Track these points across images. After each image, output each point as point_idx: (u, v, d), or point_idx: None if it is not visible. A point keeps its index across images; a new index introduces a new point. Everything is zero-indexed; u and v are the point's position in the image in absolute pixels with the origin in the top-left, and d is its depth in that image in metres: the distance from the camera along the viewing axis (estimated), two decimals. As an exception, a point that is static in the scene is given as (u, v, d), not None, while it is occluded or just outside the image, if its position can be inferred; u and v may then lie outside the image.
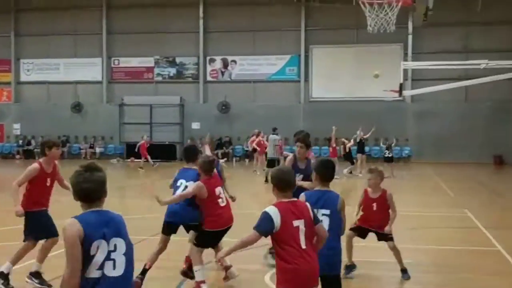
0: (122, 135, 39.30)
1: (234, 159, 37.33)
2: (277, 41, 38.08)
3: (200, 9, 38.76)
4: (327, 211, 5.71)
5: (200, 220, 7.89)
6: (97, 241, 4.01)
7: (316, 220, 5.12)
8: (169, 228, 8.24)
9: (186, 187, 7.99)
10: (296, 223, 4.90)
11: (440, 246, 11.20)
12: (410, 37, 36.59)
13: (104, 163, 35.85)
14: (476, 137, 35.31)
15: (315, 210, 5.34)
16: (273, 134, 24.09)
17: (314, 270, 4.97)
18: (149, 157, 31.74)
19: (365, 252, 9.49)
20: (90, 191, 4.12)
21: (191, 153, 8.50)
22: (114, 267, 4.05)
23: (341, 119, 34.17)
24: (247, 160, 35.61)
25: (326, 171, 5.90)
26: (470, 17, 35.56)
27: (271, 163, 22.54)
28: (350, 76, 36.80)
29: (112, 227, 4.13)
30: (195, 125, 38.89)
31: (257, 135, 27.70)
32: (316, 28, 37.85)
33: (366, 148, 31.76)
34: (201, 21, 38.79)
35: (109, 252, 4.05)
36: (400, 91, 29.53)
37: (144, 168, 30.38)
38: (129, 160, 36.74)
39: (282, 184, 5.06)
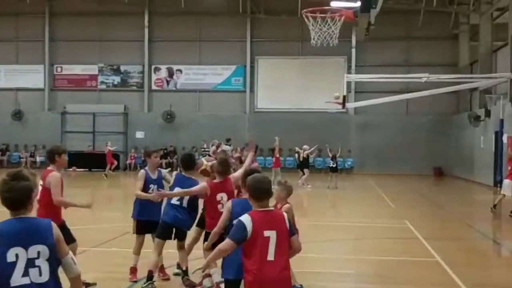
0: (64, 143, 38.41)
1: (178, 168, 37.08)
2: (223, 51, 38.15)
3: (145, 17, 38.51)
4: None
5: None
6: (14, 248, 3.98)
7: (292, 232, 5.04)
8: (165, 231, 8.41)
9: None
10: (267, 233, 4.82)
11: (381, 257, 11.39)
12: (353, 50, 37.22)
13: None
14: (417, 149, 36.11)
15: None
16: (226, 144, 23.82)
17: (279, 282, 4.84)
18: (108, 166, 31.74)
19: (309, 262, 9.58)
20: (13, 200, 4.10)
21: (189, 162, 8.75)
22: (40, 274, 4.03)
23: (285, 130, 34.47)
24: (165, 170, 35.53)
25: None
26: (411, 32, 36.46)
27: None
28: (294, 87, 37.19)
29: (34, 234, 4.07)
30: (139, 134, 38.54)
31: (218, 146, 27.57)
32: (261, 40, 38.10)
33: (310, 159, 32.27)
34: (146, 30, 38.54)
35: (32, 259, 4.02)
36: (343, 103, 29.95)
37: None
38: (70, 169, 36.10)
39: (258, 192, 5.01)
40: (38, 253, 4.03)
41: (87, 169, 35.98)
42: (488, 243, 14.01)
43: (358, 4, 18.46)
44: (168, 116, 38.07)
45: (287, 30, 36.97)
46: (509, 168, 17.26)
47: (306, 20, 11.83)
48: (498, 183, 24.73)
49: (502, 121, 26.62)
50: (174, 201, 8.40)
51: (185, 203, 8.39)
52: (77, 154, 37.19)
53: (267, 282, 4.77)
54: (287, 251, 4.97)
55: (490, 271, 10.74)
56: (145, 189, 8.74)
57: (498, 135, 26.94)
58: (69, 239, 7.90)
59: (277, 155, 26.63)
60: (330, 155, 27.54)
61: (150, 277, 8.15)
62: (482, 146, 30.04)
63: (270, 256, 4.80)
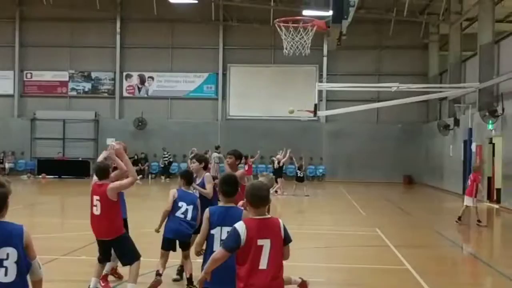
0: (33, 150, 38.17)
1: (149, 176, 36.95)
2: (195, 58, 38.12)
3: (117, 24, 38.33)
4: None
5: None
6: None
7: (288, 240, 4.97)
8: (168, 244, 8.72)
9: (186, 209, 8.55)
10: (261, 242, 4.77)
11: (352, 265, 11.46)
12: (325, 59, 37.48)
13: (14, 179, 34.70)
14: (387, 158, 36.44)
15: (219, 228, 5.36)
16: (215, 152, 23.84)
17: None
18: None
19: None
20: None
21: (190, 177, 9.03)
22: (6, 274, 4.34)
23: (257, 137, 34.64)
24: (162, 177, 35.37)
25: (228, 187, 5.63)
26: (382, 41, 36.86)
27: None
28: (266, 95, 37.31)
29: (6, 237, 4.37)
30: (110, 141, 38.11)
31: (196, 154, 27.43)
32: (233, 47, 38.18)
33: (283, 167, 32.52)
34: (118, 36, 38.35)
35: (1, 260, 4.34)
36: (315, 111, 30.08)
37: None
38: (40, 176, 35.74)
39: (255, 199, 4.92)
40: (7, 255, 4.34)
41: (57, 176, 35.60)
42: (458, 251, 14.18)
43: (330, 13, 18.61)
44: (140, 123, 37.89)
45: (259, 38, 37.12)
46: (469, 182, 17.41)
47: (278, 29, 11.90)
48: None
49: (470, 130, 27.01)
50: (179, 214, 8.56)
51: (189, 216, 8.57)
52: (47, 161, 36.89)
53: None
54: (281, 260, 4.92)
55: (460, 279, 10.87)
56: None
57: (467, 143, 27.31)
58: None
59: (250, 163, 26.68)
60: (297, 165, 27.74)
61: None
62: (451, 155, 30.44)
63: (262, 265, 4.76)
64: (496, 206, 23.31)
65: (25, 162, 37.95)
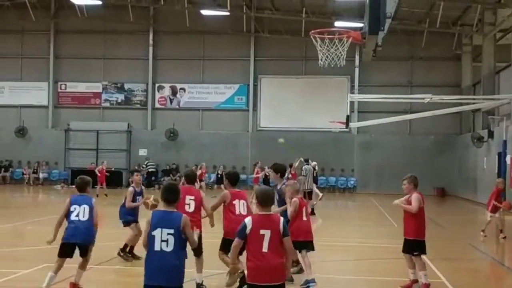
0: (67, 160, 38.68)
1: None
2: (226, 70, 38.33)
3: (150, 36, 38.74)
4: (171, 230, 6.24)
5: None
6: None
7: (285, 234, 6.22)
8: None
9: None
10: (262, 231, 6.13)
11: (384, 278, 11.35)
12: (356, 70, 37.36)
13: (48, 188, 35.20)
14: (419, 169, 35.79)
15: (160, 230, 6.19)
16: (307, 164, 23.34)
17: (272, 269, 6.09)
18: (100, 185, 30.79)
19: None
20: None
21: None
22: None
23: (288, 149, 34.52)
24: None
25: (169, 195, 6.45)
26: (414, 52, 36.60)
27: (308, 194, 21.59)
28: (297, 106, 37.28)
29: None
30: (142, 152, 38.61)
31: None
32: (265, 58, 38.28)
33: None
34: (150, 48, 38.75)
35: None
36: (347, 123, 30.03)
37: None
38: (73, 186, 36.09)
39: (262, 200, 6.30)
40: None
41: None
42: (492, 264, 13.96)
43: (361, 24, 18.58)
44: (171, 134, 38.16)
45: (291, 50, 37.18)
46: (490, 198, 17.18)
47: (314, 41, 11.92)
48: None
49: (505, 142, 26.63)
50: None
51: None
52: (80, 171, 37.16)
53: (261, 268, 6.09)
54: (280, 246, 6.19)
55: (494, 292, 10.70)
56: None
57: (501, 156, 26.92)
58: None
59: (293, 171, 26.52)
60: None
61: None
62: (485, 167, 30.02)
63: (264, 249, 6.10)
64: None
65: (59, 172, 38.46)
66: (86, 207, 8.73)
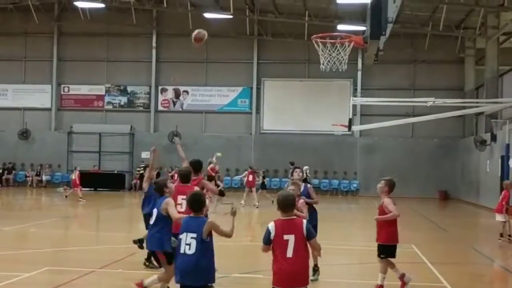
0: (70, 163, 38.71)
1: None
2: (229, 72, 38.37)
3: (153, 38, 38.80)
4: (194, 235, 6.59)
5: None
6: None
7: (310, 236, 6.26)
8: None
9: None
10: (286, 237, 6.18)
11: (387, 281, 11.32)
12: (359, 73, 37.35)
13: (51, 191, 35.24)
14: (422, 173, 36.08)
15: (185, 234, 6.60)
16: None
17: (296, 274, 6.17)
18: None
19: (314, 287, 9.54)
20: None
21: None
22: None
23: (291, 152, 34.55)
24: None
25: (193, 203, 6.76)
26: (417, 56, 36.56)
27: None
28: (300, 109, 37.31)
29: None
30: (145, 154, 38.57)
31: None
32: (268, 61, 38.32)
33: (315, 181, 32.99)
34: (154, 51, 38.81)
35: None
36: (349, 126, 30.04)
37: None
38: (76, 189, 36.14)
39: (283, 205, 6.32)
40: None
41: (92, 189, 36.00)
42: (495, 268, 13.94)
43: (364, 28, 18.58)
44: (174, 137, 38.15)
45: (293, 53, 37.21)
46: (501, 198, 17.12)
47: (315, 45, 11.94)
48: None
49: (508, 145, 26.60)
50: None
51: None
52: (83, 174, 37.27)
53: (286, 272, 6.15)
54: (304, 251, 6.25)
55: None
56: None
57: (504, 159, 26.89)
58: None
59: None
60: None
61: None
62: (488, 170, 29.99)
63: (289, 254, 6.15)
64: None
65: (62, 175, 38.49)
66: None
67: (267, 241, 6.26)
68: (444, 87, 35.99)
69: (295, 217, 6.39)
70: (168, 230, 8.55)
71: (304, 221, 6.38)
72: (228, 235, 6.93)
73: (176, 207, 8.70)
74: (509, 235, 16.85)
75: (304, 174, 25.68)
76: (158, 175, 37.58)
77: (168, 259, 8.46)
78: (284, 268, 6.15)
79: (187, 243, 6.62)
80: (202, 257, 6.59)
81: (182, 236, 6.65)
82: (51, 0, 36.08)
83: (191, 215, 6.77)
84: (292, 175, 10.01)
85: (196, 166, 10.20)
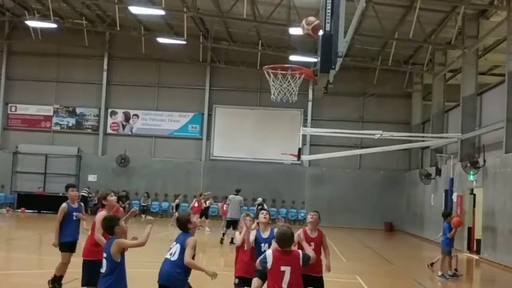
0: (14, 184, 37.86)
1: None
2: (181, 98, 38.33)
3: (104, 61, 38.53)
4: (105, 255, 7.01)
5: None
6: None
7: (305, 264, 6.57)
8: None
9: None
10: (283, 268, 6.38)
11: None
12: (310, 104, 37.82)
13: (-8, 212, 34.30)
14: (369, 204, 36.57)
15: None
16: (235, 195, 23.28)
17: None
18: None
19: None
20: None
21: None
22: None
23: (240, 179, 34.56)
24: (143, 216, 35.04)
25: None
26: (366, 89, 37.25)
27: (232, 223, 22.07)
28: (251, 137, 37.49)
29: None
30: (92, 177, 38.10)
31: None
32: (220, 88, 38.46)
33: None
34: (104, 73, 38.51)
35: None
36: (298, 155, 30.28)
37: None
38: (19, 210, 35.39)
39: (281, 241, 6.50)
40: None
41: (36, 211, 35.24)
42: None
43: (316, 59, 18.85)
44: (122, 160, 37.80)
45: (246, 81, 37.47)
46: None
47: (266, 75, 12.07)
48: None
49: (452, 180, 27.21)
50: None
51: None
52: (26, 195, 36.56)
53: None
54: (299, 282, 6.49)
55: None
56: None
57: (448, 193, 27.47)
58: None
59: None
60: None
61: None
62: (432, 204, 30.59)
63: (284, 285, 6.35)
64: (475, 257, 23.37)
65: (5, 196, 37.56)
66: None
67: (264, 267, 6.51)
68: (392, 121, 36.72)
69: (292, 249, 6.66)
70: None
71: (301, 252, 6.64)
72: (140, 244, 7.10)
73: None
74: (432, 264, 17.10)
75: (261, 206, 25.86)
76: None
77: None
78: None
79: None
80: (112, 276, 6.91)
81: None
82: (1, 18, 35.52)
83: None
84: (257, 216, 9.38)
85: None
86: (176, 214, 25.73)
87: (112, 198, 9.62)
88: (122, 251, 6.99)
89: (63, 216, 10.78)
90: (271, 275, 6.43)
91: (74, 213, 10.85)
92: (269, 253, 6.53)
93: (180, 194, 34.29)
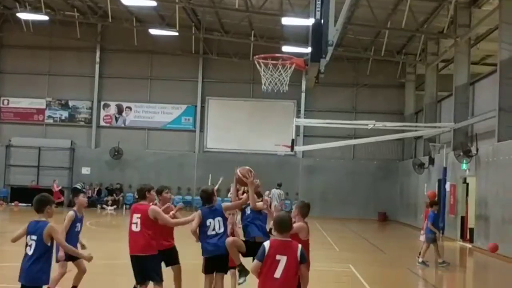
0: (7, 177, 37.74)
1: (124, 206, 36.59)
2: (174, 90, 38.24)
3: (97, 53, 38.37)
4: (35, 237, 7.05)
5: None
6: None
7: (302, 261, 6.25)
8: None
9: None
10: (278, 257, 6.15)
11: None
12: (303, 95, 37.79)
13: (-14, 206, 34.21)
14: (362, 194, 36.64)
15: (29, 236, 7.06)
16: (277, 188, 24.45)
17: None
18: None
19: None
20: None
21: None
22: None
23: (233, 170, 34.49)
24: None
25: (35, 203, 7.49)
26: (359, 79, 37.24)
27: None
28: (244, 128, 37.47)
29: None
30: (85, 170, 38.03)
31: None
32: (213, 80, 38.38)
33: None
34: (97, 66, 38.35)
35: None
36: (292, 146, 30.26)
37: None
38: (13, 204, 35.31)
39: (279, 227, 6.34)
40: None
41: (30, 204, 35.10)
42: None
43: (309, 50, 18.85)
44: (116, 153, 37.71)
45: (239, 72, 37.38)
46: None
47: (257, 66, 12.06)
48: (440, 230, 25.21)
49: (445, 169, 27.28)
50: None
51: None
52: (20, 189, 36.47)
53: None
54: (294, 275, 6.22)
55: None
56: None
57: (441, 182, 27.56)
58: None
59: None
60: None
61: None
62: (426, 193, 30.64)
63: (276, 275, 6.11)
64: (469, 245, 23.46)
65: (-2, 189, 37.45)
66: None
67: (261, 258, 6.22)
68: (385, 111, 36.73)
69: (290, 239, 6.45)
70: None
71: (299, 245, 6.39)
72: (63, 246, 7.52)
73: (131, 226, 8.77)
74: (419, 255, 17.15)
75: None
76: (99, 191, 37.14)
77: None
78: (269, 286, 6.13)
79: (29, 244, 7.10)
80: (38, 259, 7.00)
81: (27, 238, 7.13)
82: (-8, 11, 35.33)
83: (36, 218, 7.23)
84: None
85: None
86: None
87: (168, 194, 9.80)
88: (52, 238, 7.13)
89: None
90: (265, 264, 6.21)
91: (78, 224, 9.91)
92: (266, 243, 6.34)
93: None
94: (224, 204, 8.78)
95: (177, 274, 9.57)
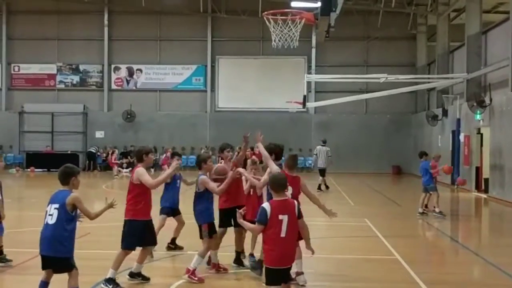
0: (22, 143, 38.03)
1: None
2: (184, 50, 38.07)
3: (105, 16, 38.16)
4: (56, 205, 6.99)
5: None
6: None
7: (299, 216, 6.61)
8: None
9: None
10: (281, 217, 6.39)
11: (341, 255, 11.54)
12: (313, 51, 37.50)
13: (3, 172, 34.55)
14: (376, 148, 36.61)
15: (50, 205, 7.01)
16: (322, 145, 25.09)
17: (289, 253, 6.50)
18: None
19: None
20: None
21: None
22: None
23: (246, 129, 34.36)
24: (152, 170, 35.14)
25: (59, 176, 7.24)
26: (370, 32, 36.86)
27: (322, 172, 24.85)
28: (255, 87, 37.36)
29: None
30: (99, 134, 38.21)
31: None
32: (222, 39, 38.12)
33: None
34: (106, 29, 38.19)
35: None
36: (303, 103, 30.17)
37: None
38: (29, 169, 35.64)
39: (276, 186, 6.59)
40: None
41: (45, 170, 35.49)
42: (446, 241, 14.29)
43: (319, 4, 18.65)
44: (128, 116, 37.81)
45: (248, 30, 37.10)
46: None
47: (267, 22, 11.95)
48: (455, 181, 25.24)
49: (458, 120, 27.14)
50: None
51: None
52: (35, 154, 36.79)
53: (280, 252, 6.40)
54: (296, 230, 6.59)
55: (448, 268, 10.96)
56: None
57: (455, 134, 27.45)
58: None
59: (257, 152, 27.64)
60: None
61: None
62: (440, 145, 30.58)
63: (283, 234, 6.38)
64: (484, 195, 23.50)
65: (13, 156, 37.75)
66: None
67: (264, 221, 6.41)
68: (397, 63, 36.44)
69: (287, 197, 6.70)
70: (210, 203, 9.31)
71: (295, 202, 6.69)
72: (89, 215, 7.21)
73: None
74: (426, 205, 17.26)
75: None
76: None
77: (210, 231, 9.17)
78: (278, 248, 6.39)
79: (50, 214, 7.01)
80: (61, 228, 6.91)
81: (48, 207, 7.03)
82: (-2, -23, 35.14)
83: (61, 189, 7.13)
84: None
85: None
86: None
87: (229, 153, 10.52)
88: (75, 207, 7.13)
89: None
90: (269, 226, 6.41)
91: (178, 180, 11.51)
92: (266, 205, 6.52)
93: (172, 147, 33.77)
94: (201, 179, 9.31)
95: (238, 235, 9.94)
